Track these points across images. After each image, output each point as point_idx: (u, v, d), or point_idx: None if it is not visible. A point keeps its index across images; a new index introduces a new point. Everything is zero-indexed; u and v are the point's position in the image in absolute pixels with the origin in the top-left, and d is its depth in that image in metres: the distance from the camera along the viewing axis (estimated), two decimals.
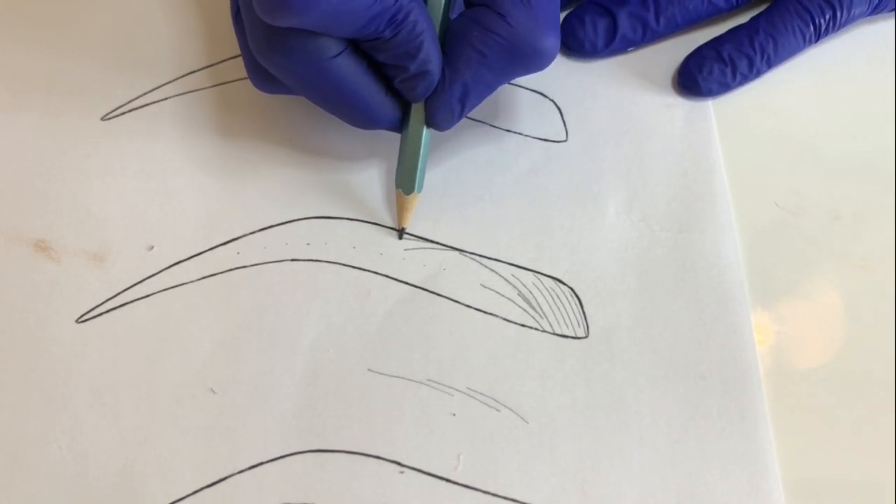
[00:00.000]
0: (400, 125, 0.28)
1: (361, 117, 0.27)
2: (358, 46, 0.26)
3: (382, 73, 0.27)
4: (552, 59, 0.26)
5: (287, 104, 0.32)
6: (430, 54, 0.26)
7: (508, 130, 0.32)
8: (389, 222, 0.30)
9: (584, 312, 0.28)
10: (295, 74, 0.26)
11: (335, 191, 0.30)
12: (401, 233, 0.30)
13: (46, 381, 0.27)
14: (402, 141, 0.29)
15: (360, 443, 0.26)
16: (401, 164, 0.29)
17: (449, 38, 0.27)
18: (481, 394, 0.27)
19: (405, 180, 0.29)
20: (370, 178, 0.31)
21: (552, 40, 0.26)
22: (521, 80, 0.32)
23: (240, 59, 0.33)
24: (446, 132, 0.29)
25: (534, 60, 0.26)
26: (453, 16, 0.27)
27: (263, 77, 0.27)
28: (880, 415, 0.27)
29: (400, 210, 0.29)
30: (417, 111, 0.28)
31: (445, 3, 0.27)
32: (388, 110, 0.28)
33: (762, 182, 0.31)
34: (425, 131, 0.28)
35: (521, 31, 0.25)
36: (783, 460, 0.26)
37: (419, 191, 0.29)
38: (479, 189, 0.31)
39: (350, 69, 0.26)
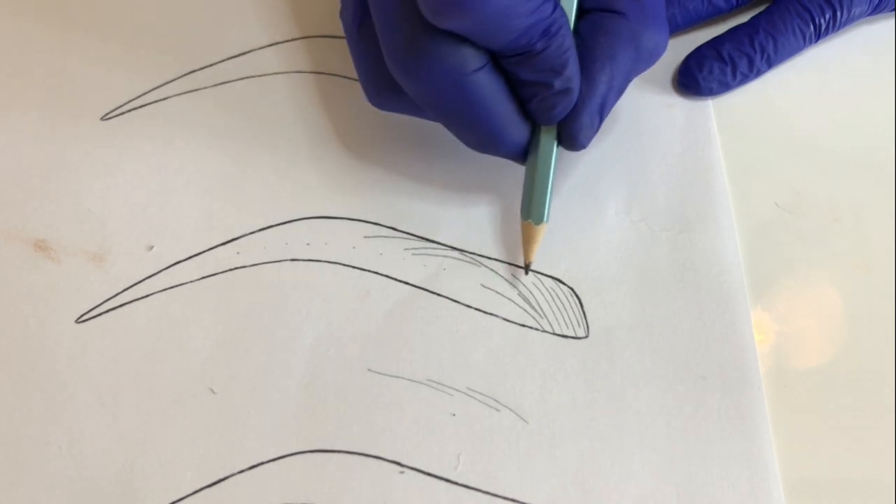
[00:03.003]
0: (523, 151, 0.27)
1: (488, 139, 0.26)
2: (498, 63, 0.25)
3: (516, 95, 0.26)
4: (664, 52, 0.26)
5: (287, 103, 0.32)
6: (574, 71, 0.25)
7: None
8: (390, 222, 0.30)
9: (584, 312, 0.28)
10: (430, 88, 0.24)
11: (335, 190, 0.30)
12: (527, 268, 0.29)
13: (46, 381, 0.27)
14: (530, 168, 0.27)
15: (360, 443, 0.27)
16: (529, 192, 0.27)
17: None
18: (481, 394, 0.27)
19: (535, 210, 0.27)
20: (372, 177, 0.31)
21: (666, 34, 0.26)
22: None
23: (239, 59, 0.33)
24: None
25: (652, 56, 0.26)
26: None
27: (385, 92, 0.27)
28: (880, 415, 0.27)
29: (527, 243, 0.28)
30: (548, 135, 0.27)
31: (575, 17, 0.26)
32: (518, 133, 0.26)
33: (762, 182, 0.31)
34: (554, 156, 0.27)
35: (642, 28, 0.25)
36: (783, 460, 0.26)
37: (548, 220, 0.28)
38: (478, 189, 0.30)
39: (489, 86, 0.25)
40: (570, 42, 0.24)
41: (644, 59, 0.26)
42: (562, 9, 0.24)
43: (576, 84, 0.25)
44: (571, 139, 0.26)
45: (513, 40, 0.23)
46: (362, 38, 0.27)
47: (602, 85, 0.26)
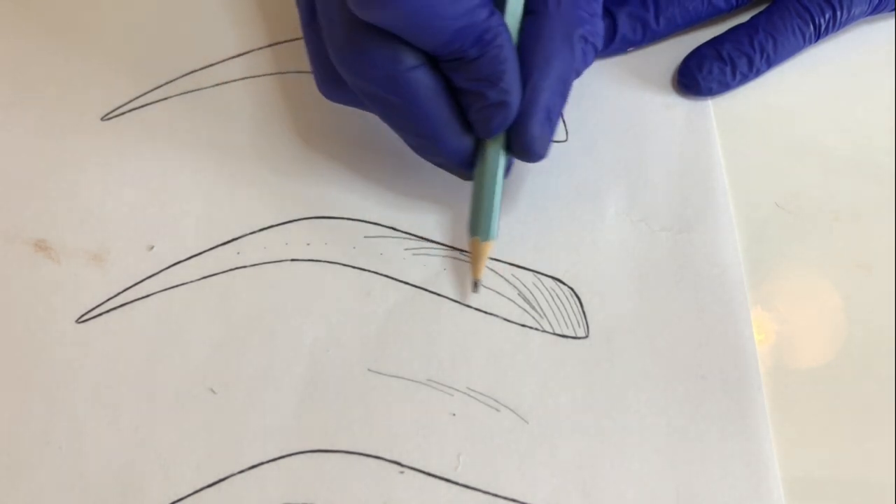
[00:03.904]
0: (468, 164, 0.27)
1: (426, 141, 0.26)
2: (438, 66, 0.25)
3: (459, 104, 0.26)
4: (600, 47, 0.27)
5: (287, 103, 0.32)
6: (512, 84, 0.24)
7: None
8: (390, 222, 0.30)
9: (584, 312, 0.28)
10: (368, 81, 0.25)
11: (335, 190, 0.30)
12: (475, 286, 0.28)
13: (46, 381, 0.27)
14: (477, 181, 0.27)
15: (360, 443, 0.26)
16: (476, 208, 0.27)
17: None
18: (481, 394, 0.27)
19: (482, 226, 0.27)
20: (373, 177, 0.31)
21: (599, 27, 0.27)
22: None
23: (239, 59, 0.33)
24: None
25: (588, 54, 0.26)
26: None
27: (334, 84, 0.27)
28: (880, 415, 0.27)
29: (475, 260, 0.28)
30: (494, 146, 0.26)
31: (519, 29, 0.26)
32: (458, 141, 0.26)
33: (762, 182, 0.31)
34: (500, 170, 0.26)
35: (573, 27, 0.25)
36: (783, 460, 0.26)
37: (496, 236, 0.27)
38: None
39: (425, 86, 0.24)
40: (508, 53, 0.24)
41: (580, 59, 0.26)
42: (500, 17, 0.24)
43: (514, 97, 0.25)
44: (524, 151, 0.26)
45: (443, 44, 0.23)
46: (313, 29, 0.27)
47: (544, 93, 0.25)
